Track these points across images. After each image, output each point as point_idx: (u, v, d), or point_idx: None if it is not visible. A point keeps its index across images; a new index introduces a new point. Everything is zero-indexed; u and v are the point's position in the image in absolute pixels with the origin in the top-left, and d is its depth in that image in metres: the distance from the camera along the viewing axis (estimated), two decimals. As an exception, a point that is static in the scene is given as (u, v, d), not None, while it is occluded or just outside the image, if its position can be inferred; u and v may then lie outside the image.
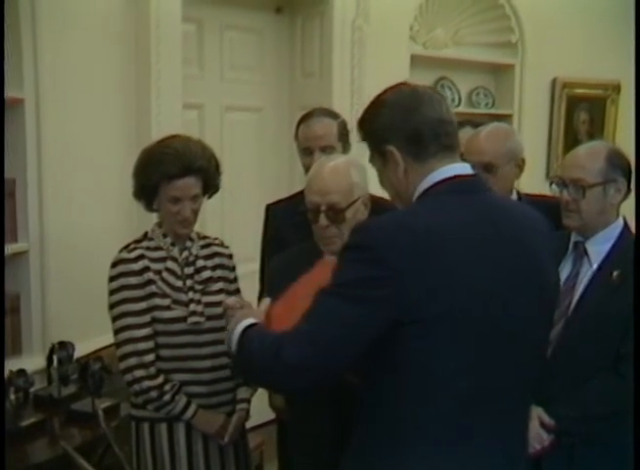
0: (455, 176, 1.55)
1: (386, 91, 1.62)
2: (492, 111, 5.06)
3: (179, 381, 2.26)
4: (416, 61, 4.57)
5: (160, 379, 2.23)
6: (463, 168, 1.58)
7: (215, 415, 2.29)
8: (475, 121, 3.04)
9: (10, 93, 2.67)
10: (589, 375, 2.09)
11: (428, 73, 4.84)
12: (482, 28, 4.90)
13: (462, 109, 4.94)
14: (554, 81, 5.11)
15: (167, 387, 2.23)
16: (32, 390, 2.68)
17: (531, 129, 4.92)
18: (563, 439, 2.08)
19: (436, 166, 1.55)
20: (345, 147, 2.66)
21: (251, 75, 4.15)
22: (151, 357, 2.23)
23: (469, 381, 1.46)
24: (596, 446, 2.10)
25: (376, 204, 2.12)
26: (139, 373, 2.22)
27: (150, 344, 2.24)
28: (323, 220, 2.02)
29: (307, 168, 2.53)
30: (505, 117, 4.91)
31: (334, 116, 2.70)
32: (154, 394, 2.22)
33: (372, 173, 2.12)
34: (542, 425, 2.08)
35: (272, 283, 2.16)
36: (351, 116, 4.11)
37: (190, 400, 2.26)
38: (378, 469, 1.53)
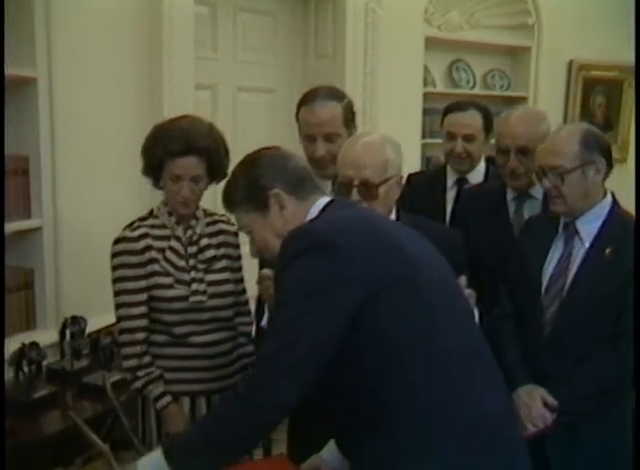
0: (332, 200, 1.71)
1: (245, 159, 1.80)
2: (507, 93, 5.05)
3: (182, 355, 2.28)
4: (430, 43, 4.57)
5: (146, 359, 2.25)
6: (330, 198, 1.73)
7: (180, 421, 2.25)
8: (478, 104, 3.01)
9: (23, 72, 2.72)
10: (587, 353, 2.11)
11: (442, 56, 4.85)
12: (499, 11, 4.88)
13: (477, 91, 4.94)
14: (570, 64, 5.08)
15: (141, 373, 2.24)
16: (45, 363, 2.73)
17: (547, 113, 4.87)
18: (564, 417, 2.10)
19: (316, 199, 1.70)
20: (351, 132, 2.43)
21: (265, 57, 4.16)
22: (142, 335, 2.25)
23: (439, 343, 1.51)
24: (597, 423, 2.12)
25: None
26: (128, 350, 2.26)
27: (143, 322, 2.25)
28: (355, 195, 1.98)
29: (310, 157, 2.38)
30: (520, 100, 4.91)
31: (339, 97, 2.45)
32: (134, 374, 2.25)
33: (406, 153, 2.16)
34: (545, 405, 2.10)
35: None
36: (364, 98, 4.14)
37: (164, 393, 2.24)
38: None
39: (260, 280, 2.08)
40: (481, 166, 2.98)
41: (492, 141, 2.75)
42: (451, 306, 1.59)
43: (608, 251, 2.12)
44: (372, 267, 1.48)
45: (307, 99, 2.44)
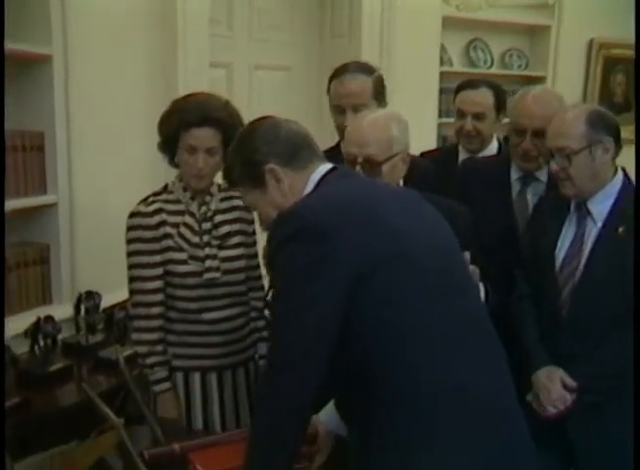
0: (331, 169, 1.67)
1: (239, 135, 1.76)
2: (525, 72, 5.02)
3: (194, 331, 2.29)
4: (448, 22, 4.55)
5: (157, 335, 2.27)
6: (330, 165, 1.69)
7: (174, 408, 2.28)
8: (491, 82, 2.99)
9: (39, 49, 2.73)
10: (606, 331, 2.10)
11: (460, 35, 4.83)
12: (519, -10, 4.84)
13: (494, 70, 4.91)
14: (590, 42, 5.05)
15: (159, 348, 2.27)
16: (60, 337, 2.76)
17: (565, 92, 4.67)
18: (587, 397, 2.11)
19: (314, 168, 1.66)
20: (381, 105, 2.50)
21: (280, 35, 4.18)
22: (157, 310, 2.27)
23: (434, 326, 1.49)
24: (619, 400, 2.11)
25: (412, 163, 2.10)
26: (142, 324, 2.27)
27: (158, 297, 2.26)
28: (359, 172, 1.98)
29: (339, 127, 2.49)
30: (539, 80, 4.89)
31: (369, 71, 2.53)
32: (144, 349, 2.26)
33: (413, 131, 2.13)
34: (565, 386, 2.11)
35: None
36: (380, 77, 4.13)
37: (167, 377, 2.27)
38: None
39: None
40: (494, 146, 2.96)
41: (505, 120, 2.73)
42: (447, 282, 1.56)
43: (621, 229, 2.11)
44: (361, 248, 1.46)
45: (338, 72, 2.52)
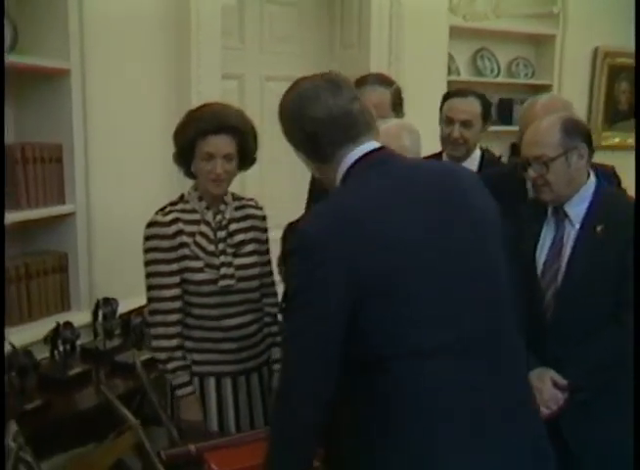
0: (362, 156, 1.58)
1: (282, 97, 1.68)
2: (532, 81, 5.07)
3: (210, 338, 2.34)
4: (455, 32, 4.60)
5: (175, 342, 2.30)
6: (366, 147, 1.60)
7: (198, 411, 2.32)
8: (477, 92, 3.00)
9: (57, 64, 2.80)
10: (590, 331, 2.14)
11: (467, 45, 4.88)
12: (525, 0, 4.88)
13: (501, 79, 4.97)
14: (595, 51, 5.09)
15: (179, 354, 2.30)
16: (79, 343, 2.81)
17: (571, 100, 4.80)
18: (577, 395, 2.14)
19: (341, 159, 1.58)
20: (398, 116, 2.62)
21: (291, 47, 4.25)
22: (174, 317, 2.31)
23: (441, 336, 1.48)
24: (609, 395, 2.15)
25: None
26: (160, 331, 2.31)
27: (176, 304, 2.30)
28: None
29: None
30: (545, 88, 4.93)
31: (388, 83, 2.63)
32: (163, 355, 2.30)
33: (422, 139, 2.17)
34: (556, 386, 2.15)
35: None
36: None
37: (189, 381, 2.31)
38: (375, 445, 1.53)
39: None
40: (477, 154, 2.99)
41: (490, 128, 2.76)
42: (463, 297, 1.51)
43: (599, 228, 2.16)
44: (359, 270, 1.44)
45: (358, 84, 2.54)
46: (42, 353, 2.67)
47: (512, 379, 1.58)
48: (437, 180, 1.60)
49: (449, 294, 1.50)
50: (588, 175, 2.24)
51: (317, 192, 2.62)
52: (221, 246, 2.36)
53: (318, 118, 1.57)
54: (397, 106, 2.61)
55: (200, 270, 2.31)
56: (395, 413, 1.48)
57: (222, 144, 2.28)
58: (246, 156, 2.38)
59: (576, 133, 2.18)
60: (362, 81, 2.61)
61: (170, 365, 2.30)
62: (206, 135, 2.27)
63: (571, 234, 2.22)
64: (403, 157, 1.68)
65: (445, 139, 2.95)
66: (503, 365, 1.56)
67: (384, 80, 2.66)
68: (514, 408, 1.55)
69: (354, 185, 1.56)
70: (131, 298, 2.96)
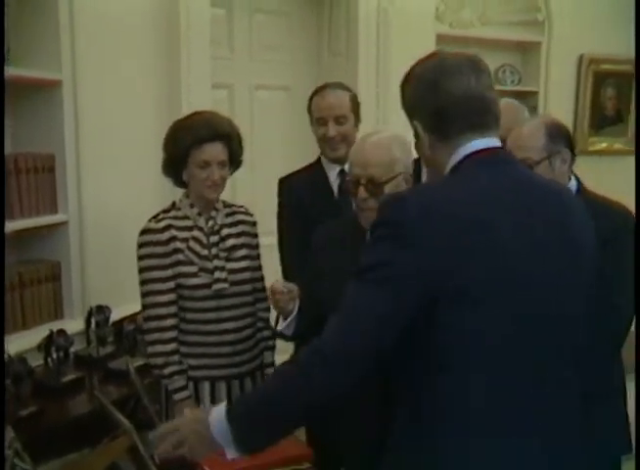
0: (481, 150, 1.49)
1: (417, 63, 1.56)
2: (518, 88, 5.11)
3: (204, 342, 2.37)
4: (442, 40, 4.63)
5: (171, 347, 2.33)
6: (489, 142, 1.51)
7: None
8: (343, 84, 2.83)
9: (49, 75, 2.84)
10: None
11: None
12: (509, 8, 4.91)
13: (488, 86, 5.00)
14: (581, 58, 5.13)
15: (175, 358, 2.33)
16: (72, 350, 2.83)
17: (557, 106, 4.95)
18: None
19: (463, 143, 1.49)
20: (357, 119, 2.70)
21: (280, 56, 4.29)
22: (170, 323, 2.34)
23: (503, 357, 1.42)
24: (596, 406, 2.18)
25: None
26: (155, 336, 2.34)
27: (171, 309, 2.34)
28: (362, 193, 2.00)
29: (321, 138, 2.66)
30: (531, 95, 4.99)
31: (346, 88, 2.74)
32: (160, 360, 2.33)
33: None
34: None
35: (316, 255, 2.19)
36: (377, 94, 4.23)
37: (185, 385, 2.33)
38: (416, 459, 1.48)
39: (272, 294, 2.09)
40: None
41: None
42: (529, 313, 1.43)
43: None
44: (439, 271, 1.36)
45: (318, 90, 2.75)
46: (36, 361, 2.69)
47: (567, 402, 1.54)
48: (544, 204, 1.50)
49: (530, 323, 1.44)
50: (569, 180, 2.27)
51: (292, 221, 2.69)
52: (214, 250, 2.40)
53: (454, 94, 1.48)
54: (356, 108, 2.70)
55: (194, 275, 2.35)
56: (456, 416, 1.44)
57: (217, 152, 2.35)
58: (234, 160, 2.46)
59: (560, 138, 2.21)
60: (322, 87, 2.74)
61: (167, 370, 2.33)
62: (202, 143, 2.33)
63: None
64: (520, 163, 1.64)
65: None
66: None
67: (342, 86, 2.76)
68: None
69: (465, 180, 1.48)
70: (124, 305, 2.99)
